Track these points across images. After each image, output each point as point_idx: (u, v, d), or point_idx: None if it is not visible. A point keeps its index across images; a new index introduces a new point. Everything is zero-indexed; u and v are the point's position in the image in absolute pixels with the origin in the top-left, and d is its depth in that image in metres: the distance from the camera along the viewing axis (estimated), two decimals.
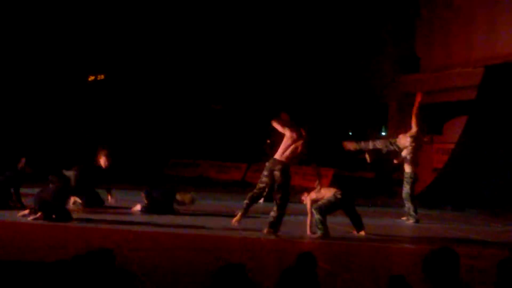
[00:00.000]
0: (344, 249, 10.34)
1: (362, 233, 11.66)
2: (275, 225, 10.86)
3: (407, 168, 14.61)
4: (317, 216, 11.14)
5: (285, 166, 10.88)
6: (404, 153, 14.48)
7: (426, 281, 4.58)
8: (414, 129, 14.49)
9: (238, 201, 17.43)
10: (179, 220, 12.59)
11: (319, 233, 11.05)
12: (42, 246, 8.90)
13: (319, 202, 11.30)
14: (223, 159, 26.85)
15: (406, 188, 14.51)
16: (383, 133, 27.53)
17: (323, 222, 11.10)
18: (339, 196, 11.38)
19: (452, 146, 21.60)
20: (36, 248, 8.67)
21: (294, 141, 10.99)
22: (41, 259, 7.53)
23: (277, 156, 11.04)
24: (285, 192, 10.89)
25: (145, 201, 13.60)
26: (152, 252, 8.87)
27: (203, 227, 11.72)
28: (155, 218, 12.69)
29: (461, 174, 19.65)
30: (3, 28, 24.79)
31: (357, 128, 27.82)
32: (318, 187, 11.65)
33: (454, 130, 22.32)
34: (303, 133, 11.17)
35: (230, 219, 13.15)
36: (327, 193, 11.55)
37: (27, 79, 25.55)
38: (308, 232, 11.30)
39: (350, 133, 28.93)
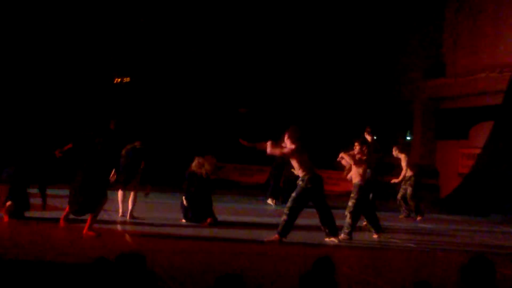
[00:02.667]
0: (370, 255, 10.30)
1: (375, 236, 11.71)
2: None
3: None
4: (348, 220, 11.19)
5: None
6: None
7: (463, 286, 4.56)
8: None
9: (261, 205, 17.57)
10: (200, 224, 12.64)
11: (342, 235, 11.03)
12: (71, 248, 8.97)
13: (351, 204, 11.29)
14: (247, 162, 26.86)
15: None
16: (408, 138, 27.39)
17: (352, 226, 11.16)
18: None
19: (478, 151, 21.45)
20: (65, 250, 8.74)
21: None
22: (70, 261, 7.61)
23: None
24: None
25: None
26: (175, 255, 8.91)
27: (225, 230, 11.75)
28: (177, 221, 12.76)
29: (487, 180, 19.49)
30: (29, 30, 25.03)
31: (382, 133, 27.68)
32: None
33: (480, 135, 22.16)
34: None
35: (252, 222, 13.27)
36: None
37: (52, 81, 25.75)
38: None
39: (375, 137, 28.76)
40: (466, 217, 17.35)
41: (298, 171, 10.73)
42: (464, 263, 4.68)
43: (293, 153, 10.68)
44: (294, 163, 10.74)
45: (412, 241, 11.79)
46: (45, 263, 7.13)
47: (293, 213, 10.58)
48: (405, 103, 26.63)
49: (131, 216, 12.46)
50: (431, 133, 25.79)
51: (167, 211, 14.56)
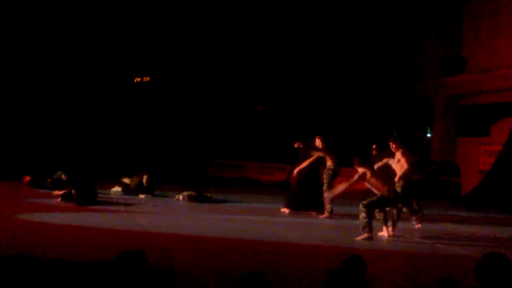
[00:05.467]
0: (394, 253, 10.24)
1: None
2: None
3: None
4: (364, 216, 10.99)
5: None
6: None
7: (479, 286, 4.51)
8: None
9: (280, 203, 17.51)
10: (222, 223, 12.67)
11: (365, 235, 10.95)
12: (88, 246, 9.01)
13: (368, 200, 11.12)
14: (266, 160, 26.88)
15: None
16: (428, 134, 27.26)
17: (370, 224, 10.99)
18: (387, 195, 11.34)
19: (499, 147, 21.29)
20: (82, 248, 8.77)
21: None
22: (86, 259, 7.62)
23: None
24: None
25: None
26: (196, 253, 8.93)
27: (245, 230, 11.75)
28: (197, 219, 12.83)
29: (508, 176, 19.34)
30: (51, 32, 25.20)
31: (403, 130, 27.59)
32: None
33: (501, 131, 21.99)
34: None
35: (271, 220, 13.26)
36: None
37: (72, 82, 25.94)
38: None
39: (395, 134, 28.68)
40: (488, 214, 17.20)
41: None
42: (479, 261, 4.63)
43: None
44: None
45: (435, 240, 11.66)
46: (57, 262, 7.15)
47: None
48: (425, 100, 26.49)
49: None
50: (452, 130, 25.62)
51: (187, 210, 14.65)
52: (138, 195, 16.44)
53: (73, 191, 14.34)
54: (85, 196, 14.20)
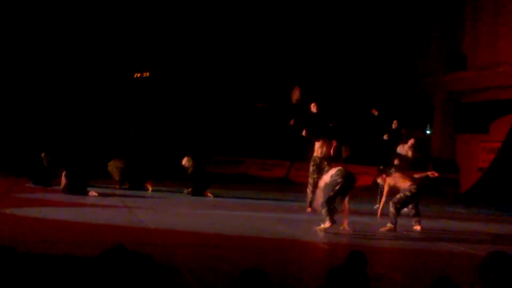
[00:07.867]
0: (393, 250, 10.26)
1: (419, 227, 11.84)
2: None
3: None
4: (392, 210, 11.32)
5: None
6: None
7: (482, 285, 4.52)
8: None
9: (280, 200, 17.52)
10: (222, 219, 12.64)
11: (388, 225, 11.33)
12: (86, 242, 8.98)
13: (397, 196, 11.42)
14: (266, 157, 26.84)
15: None
16: (428, 131, 27.24)
17: (396, 216, 11.31)
18: (414, 190, 11.42)
19: (498, 145, 21.31)
20: (82, 243, 8.77)
21: None
22: (82, 254, 7.59)
23: None
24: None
25: None
26: (196, 249, 8.94)
27: (246, 226, 11.74)
28: (197, 216, 12.83)
29: (507, 174, 19.36)
30: (49, 26, 25.12)
31: (402, 127, 27.49)
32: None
33: (501, 129, 22.01)
34: None
35: (272, 217, 13.26)
36: (402, 182, 11.60)
37: (72, 77, 25.86)
38: (379, 214, 12.61)
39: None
40: (487, 211, 17.22)
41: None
42: (484, 259, 4.63)
43: None
44: None
45: (439, 237, 11.68)
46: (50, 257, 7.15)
47: None
48: (425, 96, 26.47)
49: None
50: (451, 127, 25.62)
51: (187, 206, 14.66)
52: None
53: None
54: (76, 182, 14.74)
